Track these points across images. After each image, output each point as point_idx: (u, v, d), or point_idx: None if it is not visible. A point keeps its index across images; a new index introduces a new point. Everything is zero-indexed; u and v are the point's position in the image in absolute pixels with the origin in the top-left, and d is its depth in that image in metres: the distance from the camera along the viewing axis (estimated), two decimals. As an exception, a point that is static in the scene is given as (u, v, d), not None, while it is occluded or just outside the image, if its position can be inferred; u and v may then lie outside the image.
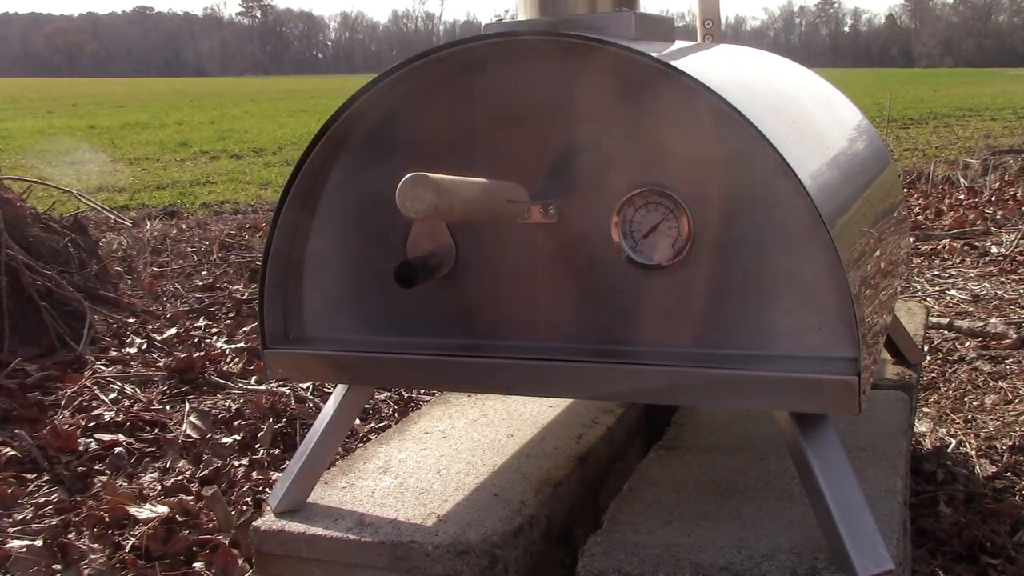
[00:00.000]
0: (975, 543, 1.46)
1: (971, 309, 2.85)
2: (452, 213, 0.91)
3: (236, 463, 1.83)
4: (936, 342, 2.51)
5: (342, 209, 1.14)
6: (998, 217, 4.36)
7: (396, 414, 2.10)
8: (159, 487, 1.74)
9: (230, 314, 2.98)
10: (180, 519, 1.59)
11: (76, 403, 2.15)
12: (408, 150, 1.10)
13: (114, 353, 2.56)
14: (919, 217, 4.39)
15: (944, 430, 1.94)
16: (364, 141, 1.11)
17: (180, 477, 1.78)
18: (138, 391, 2.25)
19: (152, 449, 1.92)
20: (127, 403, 2.17)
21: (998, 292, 3.04)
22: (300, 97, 21.46)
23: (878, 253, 1.14)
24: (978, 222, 4.14)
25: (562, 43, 1.02)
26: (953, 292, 3.05)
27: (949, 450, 1.84)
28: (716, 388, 0.97)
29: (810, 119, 1.18)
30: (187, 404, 2.14)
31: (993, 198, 4.84)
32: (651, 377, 1.00)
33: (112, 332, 2.75)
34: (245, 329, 2.77)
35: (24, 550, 1.48)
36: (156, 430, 2.01)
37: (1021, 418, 1.98)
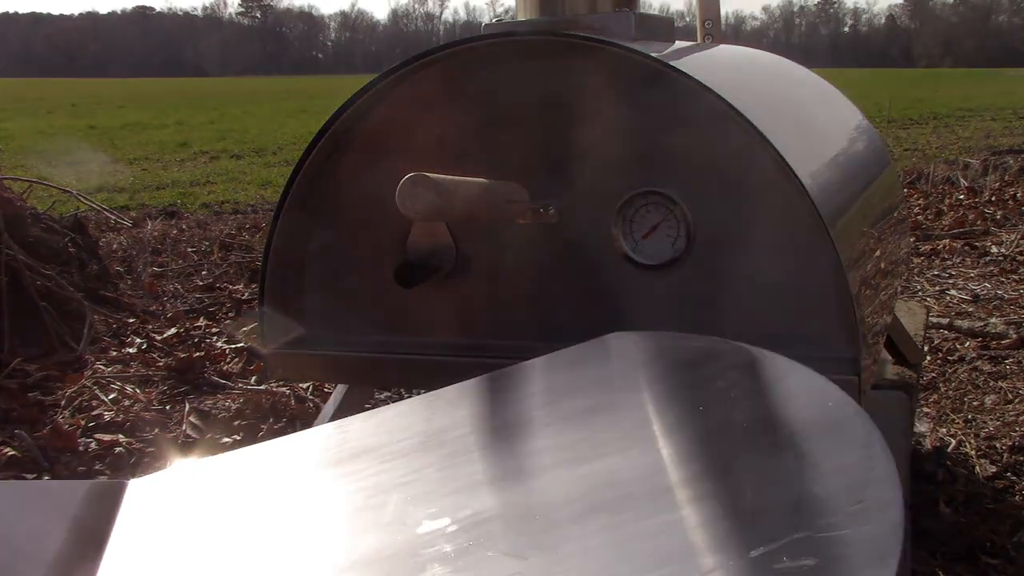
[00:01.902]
0: (975, 543, 1.46)
1: (971, 309, 2.85)
2: (452, 213, 0.91)
3: (236, 463, 1.83)
4: (936, 342, 2.50)
5: (342, 209, 1.14)
6: (998, 217, 4.36)
7: (396, 414, 2.10)
8: (159, 487, 1.74)
9: (230, 314, 2.98)
10: (180, 519, 1.59)
11: (76, 403, 2.15)
12: (408, 150, 1.10)
13: (114, 353, 2.56)
14: (919, 217, 4.39)
15: (944, 430, 1.94)
16: (364, 141, 1.11)
17: (180, 477, 1.78)
18: (138, 391, 2.25)
19: (152, 449, 1.92)
20: (127, 403, 2.17)
21: (998, 292, 3.04)
22: (300, 97, 21.45)
23: (878, 253, 1.14)
24: (978, 222, 4.14)
25: (562, 43, 1.02)
26: (953, 292, 3.05)
27: (949, 450, 1.83)
28: (716, 388, 0.97)
29: (810, 119, 1.18)
30: (187, 404, 2.14)
31: (993, 198, 4.84)
32: (651, 377, 1.00)
33: (112, 332, 2.75)
34: (245, 329, 2.77)
35: (24, 550, 1.48)
36: (156, 430, 2.01)
37: (1021, 418, 1.98)
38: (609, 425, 0.67)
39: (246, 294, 3.21)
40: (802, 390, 0.65)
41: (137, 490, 0.73)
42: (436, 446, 0.69)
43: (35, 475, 1.79)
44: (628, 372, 0.74)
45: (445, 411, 0.73)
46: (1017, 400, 2.08)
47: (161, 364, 2.45)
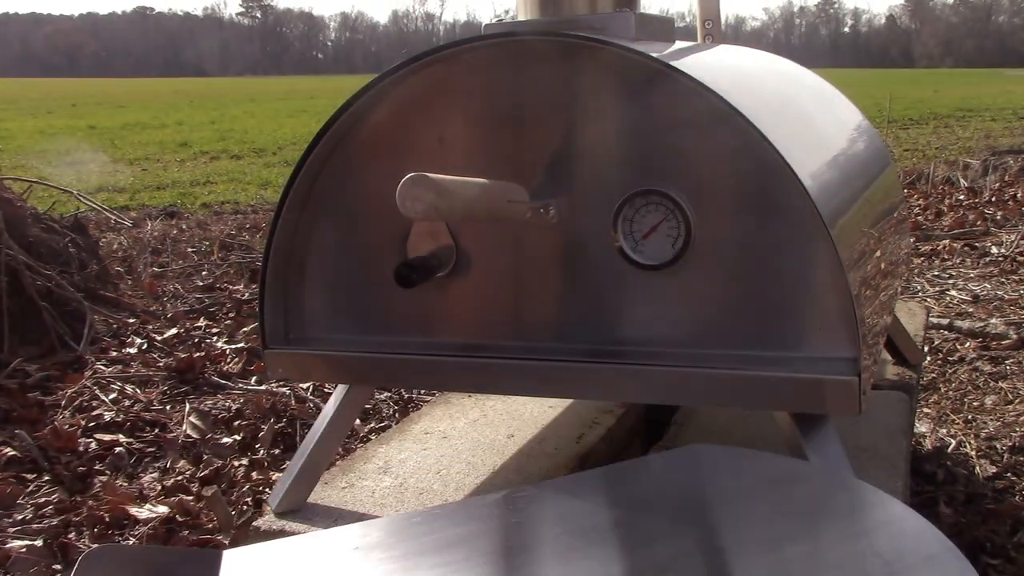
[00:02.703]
0: (975, 543, 1.46)
1: (971, 309, 2.85)
2: (452, 213, 0.91)
3: (236, 463, 1.83)
4: (936, 342, 2.50)
5: (342, 209, 1.14)
6: (998, 217, 4.36)
7: (396, 414, 2.10)
8: (159, 487, 1.74)
9: (230, 314, 2.98)
10: (180, 519, 1.59)
11: (76, 403, 2.15)
12: (408, 150, 1.10)
13: (114, 353, 2.56)
14: (919, 217, 4.39)
15: (944, 430, 1.94)
16: (364, 141, 1.11)
17: (180, 477, 1.78)
18: (138, 391, 2.25)
19: (152, 449, 1.92)
20: (127, 403, 2.17)
21: (998, 292, 3.04)
22: (300, 97, 21.45)
23: (878, 253, 1.14)
24: (978, 222, 4.14)
25: (562, 43, 1.02)
26: (953, 292, 3.05)
27: (949, 450, 1.83)
28: (716, 389, 0.97)
29: (810, 119, 1.18)
30: (187, 404, 2.14)
31: (993, 198, 4.84)
32: (651, 378, 1.00)
33: (112, 332, 2.75)
34: (245, 329, 2.77)
35: (24, 550, 1.48)
36: (156, 430, 2.01)
37: (1021, 418, 1.98)
38: (703, 539, 0.68)
39: (246, 294, 3.21)
40: (891, 519, 0.65)
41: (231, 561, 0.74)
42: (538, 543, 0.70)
43: (35, 475, 1.79)
44: (719, 487, 0.74)
45: (546, 507, 0.74)
46: (1017, 400, 2.08)
47: (161, 364, 2.45)
